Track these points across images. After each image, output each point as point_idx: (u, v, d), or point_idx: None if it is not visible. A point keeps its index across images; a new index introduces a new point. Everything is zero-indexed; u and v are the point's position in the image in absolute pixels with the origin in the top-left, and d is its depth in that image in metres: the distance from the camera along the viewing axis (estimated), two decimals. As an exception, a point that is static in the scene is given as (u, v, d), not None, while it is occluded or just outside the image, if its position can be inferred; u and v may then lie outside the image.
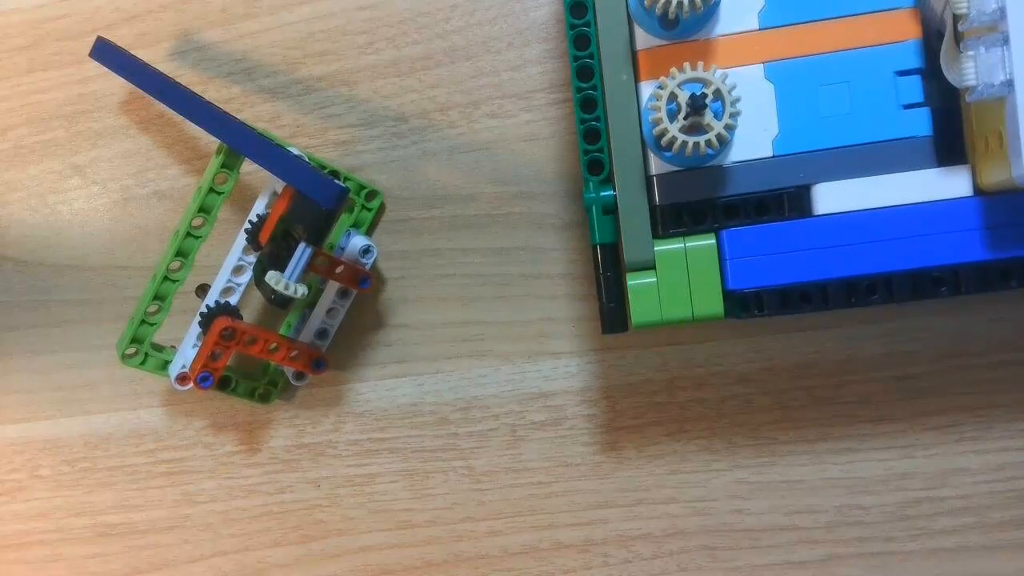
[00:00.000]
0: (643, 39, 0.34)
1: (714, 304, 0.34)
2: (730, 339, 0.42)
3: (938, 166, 0.33)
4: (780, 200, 0.34)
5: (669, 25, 0.33)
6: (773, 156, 0.33)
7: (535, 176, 0.42)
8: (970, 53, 0.30)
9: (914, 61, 0.33)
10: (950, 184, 0.33)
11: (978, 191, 0.33)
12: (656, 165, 0.34)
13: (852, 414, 0.41)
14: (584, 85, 0.35)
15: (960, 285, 0.33)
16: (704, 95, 0.31)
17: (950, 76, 0.32)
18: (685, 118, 0.32)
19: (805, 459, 0.42)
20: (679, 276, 0.34)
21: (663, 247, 0.34)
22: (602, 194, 0.35)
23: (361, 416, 0.44)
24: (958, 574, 0.41)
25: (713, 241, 0.34)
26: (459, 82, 0.42)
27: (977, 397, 0.41)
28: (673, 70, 0.32)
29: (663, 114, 0.32)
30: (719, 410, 0.42)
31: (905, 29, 0.33)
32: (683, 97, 0.32)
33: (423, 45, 0.42)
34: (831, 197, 0.33)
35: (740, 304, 0.34)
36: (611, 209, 0.35)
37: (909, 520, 0.41)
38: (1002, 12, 0.29)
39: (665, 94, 0.32)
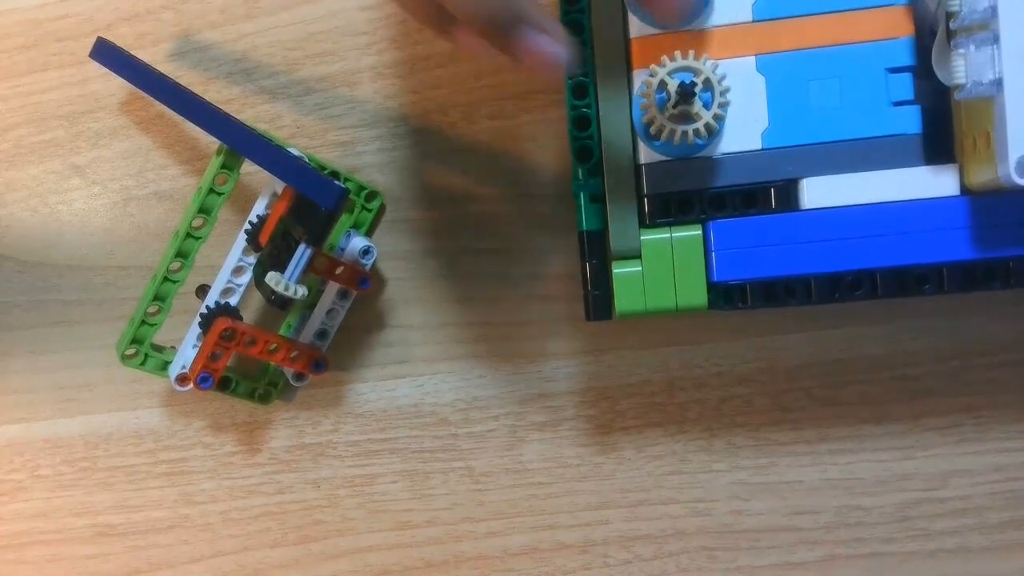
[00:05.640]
0: (637, 27, 0.34)
1: (698, 295, 0.34)
2: (730, 340, 0.42)
3: (926, 164, 0.33)
4: (768, 193, 0.34)
5: None
6: (762, 149, 0.33)
7: (535, 176, 0.42)
8: (960, 51, 0.30)
9: (906, 58, 0.33)
10: (938, 183, 0.33)
11: (965, 191, 0.33)
12: (645, 154, 0.34)
13: (852, 414, 0.41)
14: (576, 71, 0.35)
15: (944, 284, 0.33)
16: (693, 84, 0.31)
17: (940, 74, 0.32)
18: (674, 106, 0.32)
19: (805, 459, 0.42)
20: (664, 266, 0.34)
21: (649, 236, 0.34)
22: (590, 181, 0.35)
23: (361, 417, 0.44)
24: (958, 575, 0.41)
25: (699, 232, 0.34)
26: (459, 83, 0.42)
27: (977, 397, 0.41)
28: (664, 58, 0.32)
29: (652, 102, 0.32)
30: (719, 410, 0.42)
31: (899, 26, 0.33)
32: (672, 85, 0.32)
33: (424, 46, 0.42)
34: (819, 192, 0.33)
35: (724, 296, 0.34)
36: (599, 197, 0.35)
37: (909, 521, 0.41)
38: (993, 10, 0.29)
39: (655, 82, 0.32)
